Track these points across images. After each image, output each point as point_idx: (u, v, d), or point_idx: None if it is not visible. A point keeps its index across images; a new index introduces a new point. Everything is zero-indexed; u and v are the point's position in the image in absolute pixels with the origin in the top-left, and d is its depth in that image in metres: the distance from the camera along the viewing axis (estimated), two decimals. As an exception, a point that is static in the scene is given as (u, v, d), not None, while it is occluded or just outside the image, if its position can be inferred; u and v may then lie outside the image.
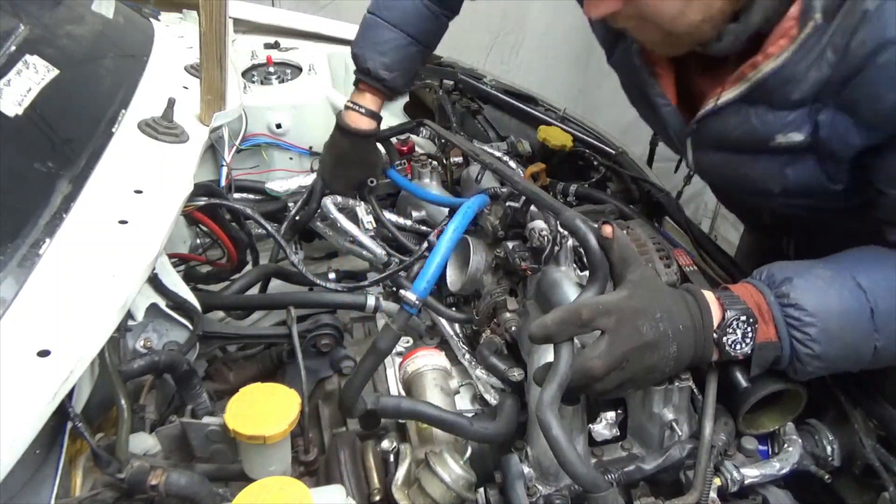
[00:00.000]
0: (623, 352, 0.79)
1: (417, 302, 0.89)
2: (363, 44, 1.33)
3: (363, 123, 1.34)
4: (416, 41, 1.33)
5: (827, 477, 0.96)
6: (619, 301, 0.81)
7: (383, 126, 1.43)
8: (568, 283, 1.04)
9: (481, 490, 0.88)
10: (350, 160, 1.38)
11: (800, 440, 0.96)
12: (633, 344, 0.79)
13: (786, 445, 0.95)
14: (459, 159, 1.53)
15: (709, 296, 0.87)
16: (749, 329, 0.84)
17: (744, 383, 0.90)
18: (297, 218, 1.36)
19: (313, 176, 1.43)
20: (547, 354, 0.91)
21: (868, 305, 0.82)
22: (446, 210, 1.35)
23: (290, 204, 1.41)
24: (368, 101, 1.35)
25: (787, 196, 0.98)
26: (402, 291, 0.90)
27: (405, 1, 1.32)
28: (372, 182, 1.39)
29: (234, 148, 1.45)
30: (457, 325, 1.17)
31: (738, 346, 0.84)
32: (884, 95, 0.78)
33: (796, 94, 0.85)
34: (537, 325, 0.80)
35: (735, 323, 0.84)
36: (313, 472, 0.95)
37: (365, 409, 0.91)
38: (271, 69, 1.71)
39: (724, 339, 0.84)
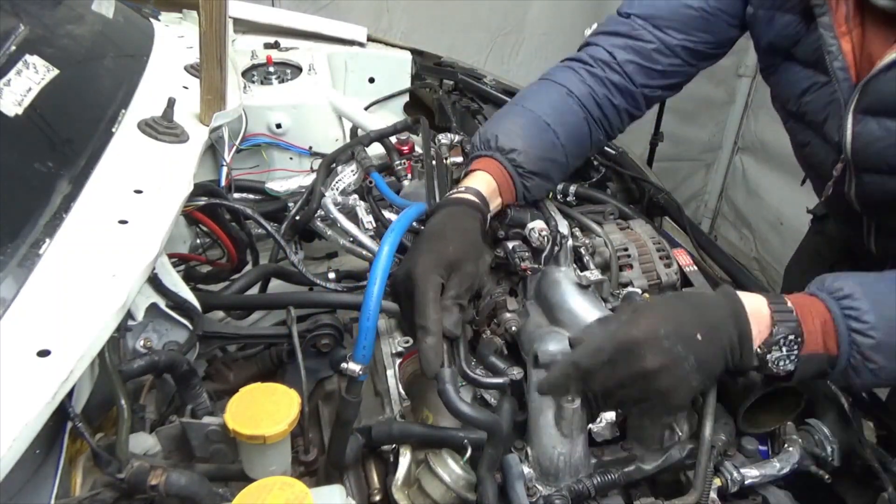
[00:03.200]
0: (620, 380, 0.80)
1: (362, 371, 0.90)
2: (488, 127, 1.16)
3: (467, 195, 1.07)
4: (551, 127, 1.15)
5: (827, 477, 0.96)
6: (616, 332, 0.81)
7: (383, 127, 1.42)
8: (568, 283, 1.04)
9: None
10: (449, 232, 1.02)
11: (800, 440, 0.96)
12: (634, 372, 0.79)
13: (786, 445, 0.95)
14: (459, 159, 1.53)
15: (760, 304, 0.84)
16: (796, 346, 0.81)
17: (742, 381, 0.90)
18: (297, 218, 1.36)
19: (313, 176, 1.43)
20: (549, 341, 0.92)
21: None
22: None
23: (290, 204, 1.40)
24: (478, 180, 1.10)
25: None
26: (344, 365, 0.91)
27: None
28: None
29: (234, 148, 1.45)
30: (457, 326, 1.17)
31: (781, 363, 0.82)
32: None
33: None
34: (542, 385, 0.84)
35: (782, 340, 0.81)
36: (313, 472, 0.95)
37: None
38: (271, 69, 1.71)
39: (769, 356, 0.81)
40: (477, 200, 1.06)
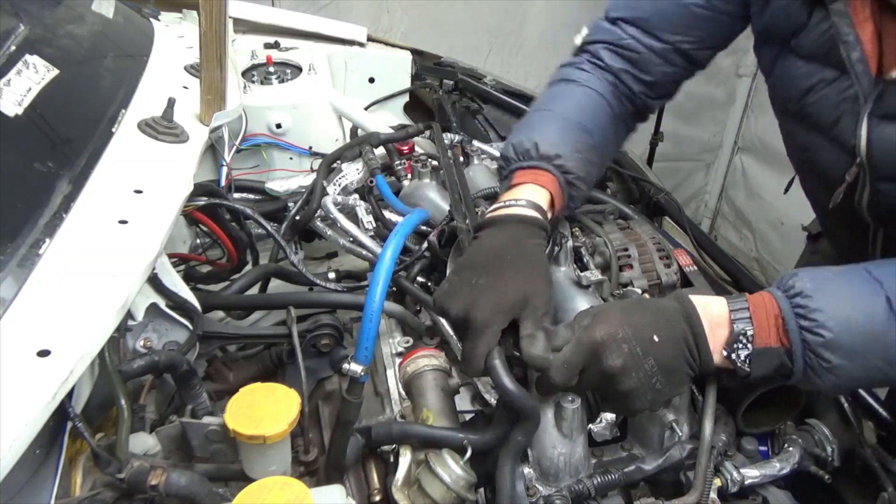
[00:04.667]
0: (588, 382, 0.81)
1: (363, 372, 0.91)
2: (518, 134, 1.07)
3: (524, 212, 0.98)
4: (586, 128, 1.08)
5: (827, 477, 0.96)
6: (577, 338, 0.81)
7: (384, 129, 1.41)
8: (568, 283, 1.04)
9: (481, 490, 0.88)
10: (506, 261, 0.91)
11: (800, 440, 0.96)
12: (598, 372, 0.80)
13: (786, 445, 0.95)
14: (460, 159, 1.53)
15: (720, 305, 0.83)
16: (750, 341, 0.81)
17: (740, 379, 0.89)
18: (297, 218, 1.36)
19: (313, 176, 1.43)
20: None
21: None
22: (446, 209, 1.34)
23: (290, 204, 1.41)
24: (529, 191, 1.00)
25: None
26: (345, 366, 0.91)
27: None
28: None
29: (234, 148, 1.45)
30: (457, 326, 1.17)
31: (750, 362, 0.81)
32: None
33: None
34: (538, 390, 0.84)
35: (741, 336, 0.80)
36: (313, 472, 0.95)
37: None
38: (271, 69, 1.71)
39: (734, 355, 0.80)
40: (539, 216, 0.96)
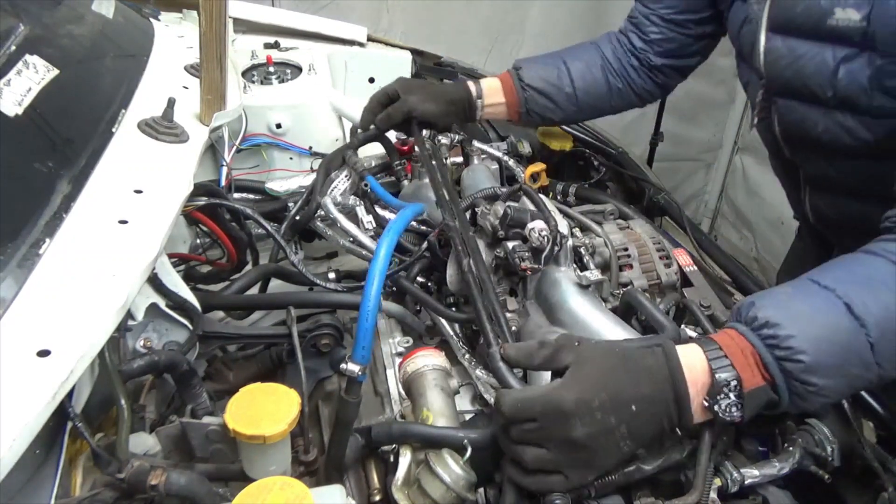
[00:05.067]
0: (542, 439, 0.75)
1: (361, 371, 0.91)
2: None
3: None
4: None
5: (827, 477, 0.96)
6: (549, 395, 0.75)
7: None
8: (568, 283, 1.04)
9: (481, 490, 0.88)
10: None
11: (800, 440, 0.96)
12: (559, 437, 0.75)
13: (786, 445, 0.95)
14: (459, 159, 1.53)
15: (694, 353, 0.80)
16: (739, 388, 0.77)
17: None
18: (297, 218, 1.36)
19: (313, 176, 1.43)
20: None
21: (866, 339, 0.77)
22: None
23: (290, 204, 1.40)
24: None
25: (837, 108, 1.03)
26: (343, 366, 0.91)
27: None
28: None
29: (234, 148, 1.45)
30: (457, 325, 1.17)
31: (733, 410, 0.77)
32: None
33: None
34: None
35: (726, 389, 0.77)
36: (313, 472, 0.95)
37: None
38: (271, 69, 1.71)
39: (717, 406, 0.77)
40: (471, 87, 1.47)
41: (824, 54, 1.02)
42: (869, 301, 0.78)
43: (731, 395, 0.77)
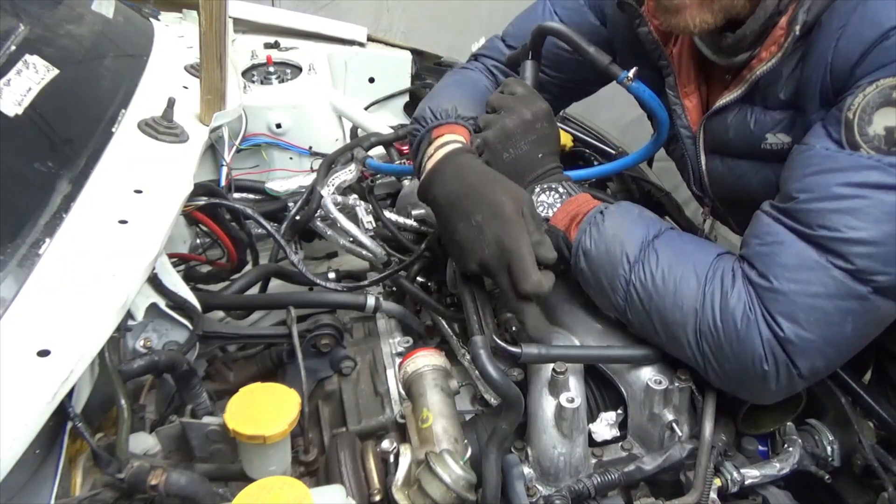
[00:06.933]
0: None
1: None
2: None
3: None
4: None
5: (827, 477, 0.96)
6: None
7: (384, 129, 1.42)
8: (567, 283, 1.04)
9: (482, 490, 0.88)
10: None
11: (800, 440, 0.96)
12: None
13: (786, 445, 0.95)
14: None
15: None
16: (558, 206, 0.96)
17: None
18: (297, 218, 1.36)
19: (313, 176, 1.43)
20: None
21: (626, 272, 0.89)
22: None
23: (290, 204, 1.41)
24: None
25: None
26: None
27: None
28: None
29: (234, 148, 1.45)
30: (457, 325, 1.17)
31: (541, 209, 0.97)
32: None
33: (783, 93, 0.93)
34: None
35: (551, 190, 0.98)
36: (313, 472, 0.95)
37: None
38: (271, 69, 1.71)
39: (540, 198, 0.97)
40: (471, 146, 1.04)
41: (766, 171, 1.01)
42: (664, 256, 0.88)
43: (551, 195, 0.99)
